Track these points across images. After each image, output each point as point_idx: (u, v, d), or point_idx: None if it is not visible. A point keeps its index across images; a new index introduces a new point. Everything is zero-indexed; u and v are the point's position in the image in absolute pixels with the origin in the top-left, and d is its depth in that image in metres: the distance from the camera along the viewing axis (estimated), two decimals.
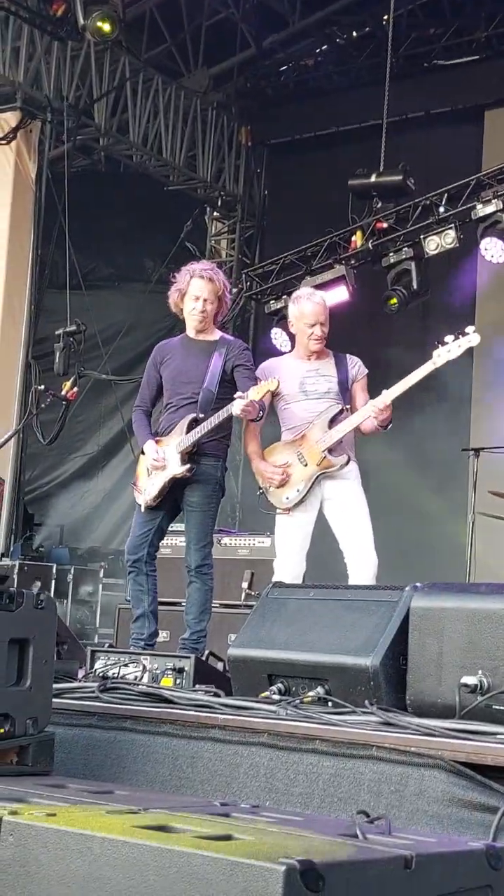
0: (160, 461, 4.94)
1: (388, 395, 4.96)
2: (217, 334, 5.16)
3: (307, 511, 5.08)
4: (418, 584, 3.37)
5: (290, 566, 5.05)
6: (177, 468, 4.91)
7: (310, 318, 5.16)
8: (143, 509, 5.01)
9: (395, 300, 9.09)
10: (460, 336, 4.86)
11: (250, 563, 6.43)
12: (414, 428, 8.67)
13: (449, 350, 4.86)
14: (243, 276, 10.74)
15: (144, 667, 4.00)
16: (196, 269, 5.02)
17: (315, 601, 3.68)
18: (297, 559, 5.08)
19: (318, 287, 9.34)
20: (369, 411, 4.98)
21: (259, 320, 11.15)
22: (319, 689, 3.38)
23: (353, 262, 9.55)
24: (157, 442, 5.04)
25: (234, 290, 10.58)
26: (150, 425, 5.17)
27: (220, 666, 4.25)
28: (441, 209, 8.99)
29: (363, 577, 4.90)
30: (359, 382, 5.20)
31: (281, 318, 9.97)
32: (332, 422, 5.05)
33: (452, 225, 8.81)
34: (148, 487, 5.01)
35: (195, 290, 4.98)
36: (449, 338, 4.88)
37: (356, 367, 5.23)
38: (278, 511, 5.13)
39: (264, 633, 3.67)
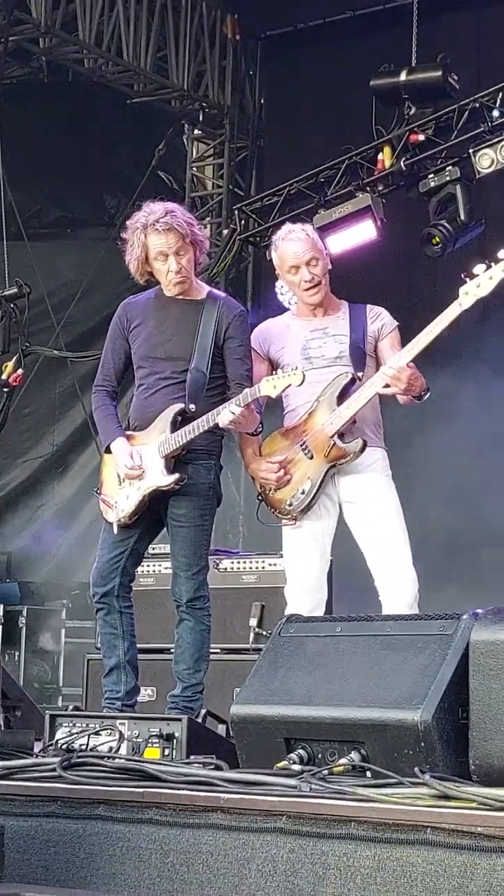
0: (136, 469, 4.95)
1: (403, 355, 4.96)
2: (203, 290, 5.15)
3: (321, 518, 5.08)
4: (479, 610, 3.38)
5: (305, 593, 5.05)
6: (160, 478, 4.91)
7: (290, 259, 5.15)
8: (114, 529, 5.01)
9: (437, 238, 9.07)
10: (492, 265, 4.83)
11: (259, 593, 6.42)
12: (465, 405, 8.65)
13: (478, 284, 4.83)
14: (236, 212, 10.73)
15: (122, 734, 4.02)
16: (145, 221, 4.97)
17: (343, 639, 3.69)
18: (314, 583, 5.08)
19: (337, 224, 9.39)
20: (381, 380, 4.97)
21: (259, 270, 11.14)
22: (353, 756, 3.40)
23: (380, 188, 9.53)
24: (128, 439, 5.05)
25: (226, 232, 10.58)
26: (117, 413, 5.17)
27: (221, 730, 4.26)
28: (495, 113, 8.97)
29: (399, 604, 4.91)
30: (386, 340, 5.18)
31: None
32: (343, 396, 5.05)
33: None
34: (120, 501, 5.01)
35: (157, 248, 4.96)
36: (479, 268, 4.83)
37: (378, 319, 5.22)
38: (282, 521, 5.14)
39: (278, 683, 3.68)
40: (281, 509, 5.10)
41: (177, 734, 3.96)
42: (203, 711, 4.63)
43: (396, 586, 4.96)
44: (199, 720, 4.37)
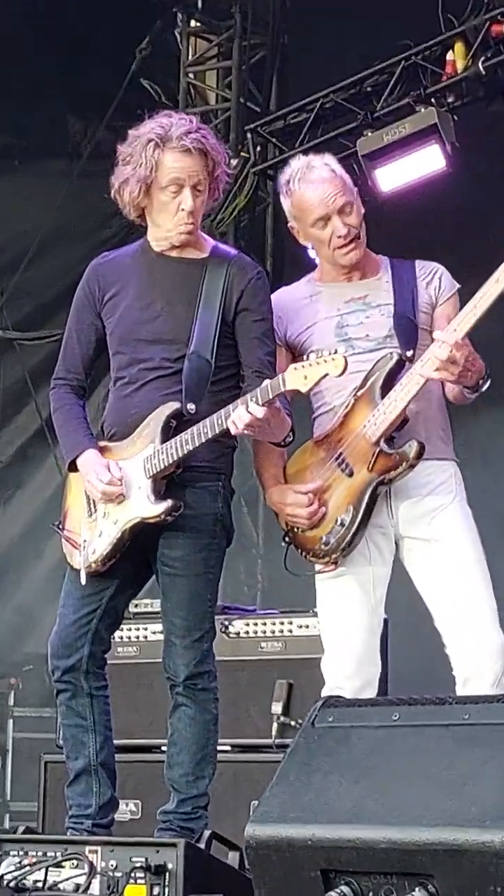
0: (116, 486, 4.95)
1: (460, 321, 4.94)
2: (206, 245, 5.19)
3: (371, 562, 5.10)
4: None
5: (349, 665, 5.06)
6: (147, 507, 4.94)
7: (317, 208, 5.15)
8: (81, 578, 5.04)
9: None
10: None
11: (285, 666, 6.46)
12: None
13: None
14: (249, 135, 10.75)
15: (93, 866, 4.02)
16: (163, 133, 5.00)
17: (403, 731, 3.68)
18: (362, 652, 5.10)
19: (391, 150, 9.40)
20: (430, 366, 4.94)
21: (282, 215, 11.07)
22: (418, 894, 3.38)
23: (450, 99, 9.56)
24: (102, 451, 5.07)
25: (235, 162, 10.58)
26: (86, 416, 5.20)
27: (233, 858, 4.26)
28: None
29: (480, 681, 4.92)
30: (442, 307, 5.22)
31: None
32: (388, 386, 5.05)
33: None
34: (91, 539, 5.05)
35: (174, 173, 5.00)
36: None
37: (434, 278, 5.25)
38: (317, 569, 5.14)
39: (312, 794, 3.67)
40: (314, 551, 5.12)
41: (170, 865, 3.96)
42: (207, 833, 4.64)
43: (475, 657, 4.97)
44: (202, 846, 4.37)
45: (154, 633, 6.18)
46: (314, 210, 5.17)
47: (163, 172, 4.99)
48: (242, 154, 10.71)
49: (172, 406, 4.93)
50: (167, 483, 4.94)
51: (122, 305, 5.10)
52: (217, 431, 4.83)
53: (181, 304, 5.04)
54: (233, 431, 4.81)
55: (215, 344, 4.99)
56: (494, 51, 9.40)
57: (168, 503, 4.90)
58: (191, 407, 4.92)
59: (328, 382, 4.95)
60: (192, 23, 11.85)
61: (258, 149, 10.66)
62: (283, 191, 5.28)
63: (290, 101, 10.96)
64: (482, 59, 9.40)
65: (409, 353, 5.06)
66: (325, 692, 4.77)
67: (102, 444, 5.09)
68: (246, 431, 4.82)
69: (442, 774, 3.51)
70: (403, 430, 5.04)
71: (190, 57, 11.88)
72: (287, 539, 5.19)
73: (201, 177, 5.01)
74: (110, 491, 4.95)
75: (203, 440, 4.85)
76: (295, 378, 4.75)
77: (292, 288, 5.44)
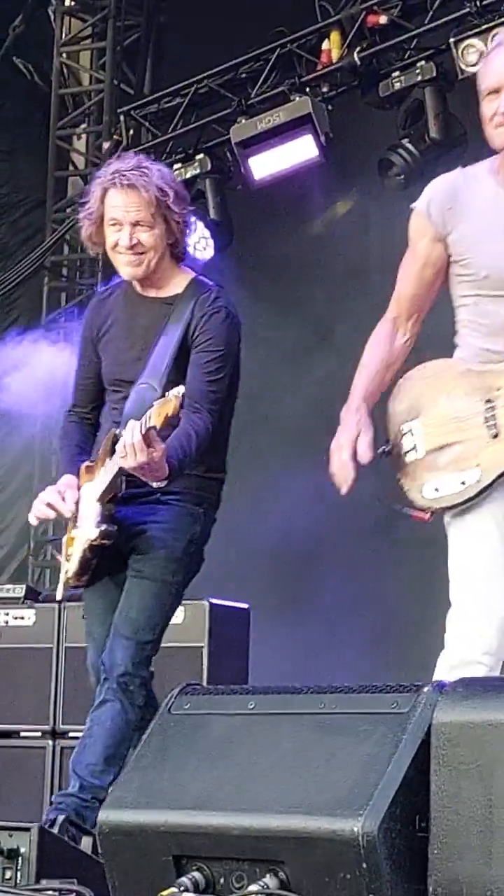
0: (44, 513, 5.14)
1: None
2: (183, 279, 5.23)
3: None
4: (445, 682, 3.39)
5: (480, 621, 4.41)
6: (90, 530, 5.06)
7: (491, 75, 4.58)
8: (58, 593, 5.29)
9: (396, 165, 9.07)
10: None
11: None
12: None
13: None
14: (122, 118, 10.70)
15: None
16: (108, 170, 5.13)
17: (259, 718, 3.68)
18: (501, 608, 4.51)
19: (265, 138, 9.39)
20: None
21: None
22: (269, 880, 3.38)
23: (325, 89, 9.56)
24: (88, 470, 5.18)
25: (107, 145, 10.56)
26: (79, 442, 5.34)
27: (86, 844, 4.26)
28: None
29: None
30: None
31: (197, 196, 9.92)
32: None
33: None
34: (69, 557, 5.21)
35: (111, 210, 5.10)
36: None
37: None
38: (405, 508, 4.57)
39: (166, 779, 3.67)
40: (410, 489, 4.61)
41: (23, 849, 3.94)
42: (62, 818, 4.64)
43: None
44: (56, 830, 4.37)
45: (15, 618, 6.18)
46: (487, 76, 4.62)
47: (105, 211, 5.12)
48: (115, 136, 10.68)
49: (113, 433, 5.03)
50: (110, 507, 5.04)
51: (111, 346, 5.26)
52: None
53: (147, 339, 5.17)
54: (121, 463, 4.85)
55: (165, 374, 5.07)
56: (370, 41, 9.40)
57: (103, 528, 5.02)
58: None
59: (493, 309, 4.58)
60: (67, 1, 11.77)
61: (131, 132, 10.61)
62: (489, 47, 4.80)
63: (164, 84, 10.94)
64: (357, 49, 9.42)
65: None
66: (448, 655, 4.45)
67: (89, 463, 5.21)
68: (131, 465, 4.82)
69: (295, 762, 3.51)
70: None
71: (64, 36, 11.78)
72: (384, 448, 4.70)
73: (140, 214, 5.07)
74: (41, 515, 5.20)
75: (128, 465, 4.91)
76: (154, 414, 4.74)
77: (473, 176, 4.82)
